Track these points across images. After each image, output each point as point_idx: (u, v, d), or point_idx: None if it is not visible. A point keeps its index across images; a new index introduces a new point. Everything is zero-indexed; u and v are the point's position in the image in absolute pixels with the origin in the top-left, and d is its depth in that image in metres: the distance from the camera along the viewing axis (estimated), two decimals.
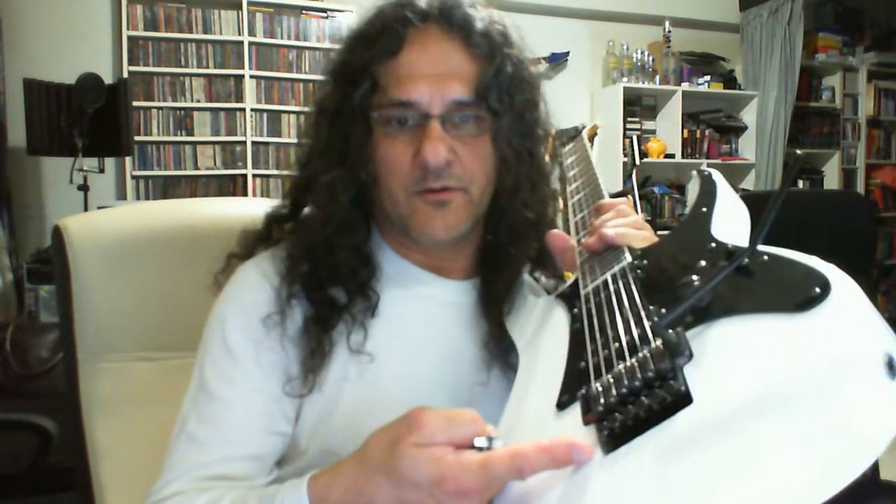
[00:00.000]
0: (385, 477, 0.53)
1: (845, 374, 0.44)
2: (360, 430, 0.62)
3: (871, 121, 5.07)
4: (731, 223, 0.70)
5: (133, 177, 3.55)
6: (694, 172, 0.82)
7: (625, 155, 3.84)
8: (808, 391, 0.44)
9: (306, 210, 0.83)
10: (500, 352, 0.81)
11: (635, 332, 0.60)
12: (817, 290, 0.49)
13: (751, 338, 0.51)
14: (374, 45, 0.76)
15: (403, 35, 0.75)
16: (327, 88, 0.80)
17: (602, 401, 0.54)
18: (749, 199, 1.64)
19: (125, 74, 3.44)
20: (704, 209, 0.73)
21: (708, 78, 4.53)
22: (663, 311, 0.59)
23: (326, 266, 0.78)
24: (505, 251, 0.82)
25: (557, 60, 4.36)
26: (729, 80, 4.64)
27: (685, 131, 4.47)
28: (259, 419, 0.75)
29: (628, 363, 0.57)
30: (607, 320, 0.65)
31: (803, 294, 0.50)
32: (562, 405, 0.61)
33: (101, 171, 3.16)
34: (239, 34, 3.68)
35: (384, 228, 0.84)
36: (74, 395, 0.98)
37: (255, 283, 0.79)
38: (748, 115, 4.68)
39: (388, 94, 0.75)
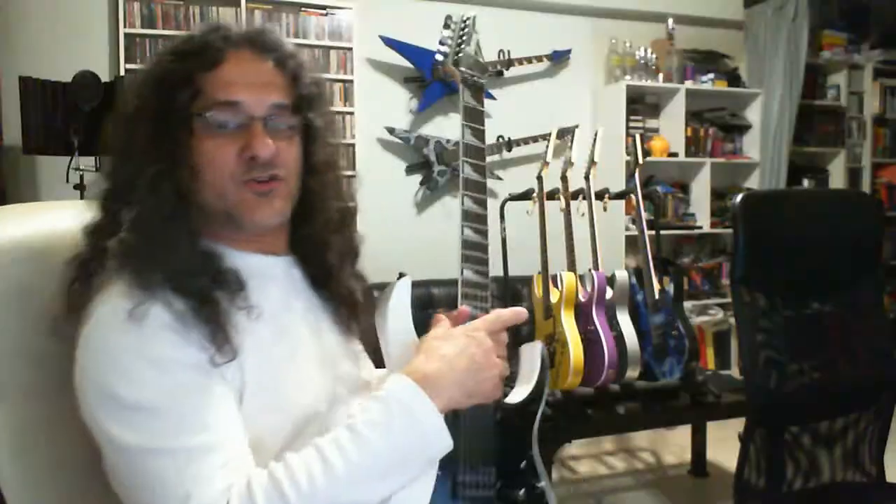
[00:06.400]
0: (444, 340, 0.88)
1: None
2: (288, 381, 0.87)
3: (877, 119, 5.02)
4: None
5: None
6: None
7: (627, 154, 3.80)
8: None
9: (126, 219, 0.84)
10: (337, 313, 1.02)
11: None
12: None
13: None
14: (195, 58, 0.87)
15: (223, 52, 0.88)
16: (143, 96, 0.87)
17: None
18: (753, 198, 1.61)
19: (122, 72, 3.40)
20: None
21: (712, 76, 4.48)
22: None
23: (178, 263, 0.82)
24: (318, 237, 0.98)
25: (559, 58, 4.32)
26: (733, 78, 4.60)
27: (689, 129, 4.42)
28: (224, 403, 0.80)
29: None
30: None
31: None
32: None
33: (98, 169, 3.12)
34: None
35: (207, 231, 0.90)
36: None
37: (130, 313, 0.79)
38: (752, 114, 4.63)
39: (214, 98, 0.86)
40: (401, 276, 1.00)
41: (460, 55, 1.09)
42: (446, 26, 1.10)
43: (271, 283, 0.94)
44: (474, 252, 1.02)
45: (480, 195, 1.05)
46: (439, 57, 1.09)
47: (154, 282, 0.79)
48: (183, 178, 0.85)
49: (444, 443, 0.83)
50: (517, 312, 0.96)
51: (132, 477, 0.76)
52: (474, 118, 1.08)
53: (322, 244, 0.99)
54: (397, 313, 0.96)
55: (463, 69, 1.09)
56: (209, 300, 0.82)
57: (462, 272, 1.00)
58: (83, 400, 0.78)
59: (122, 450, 0.76)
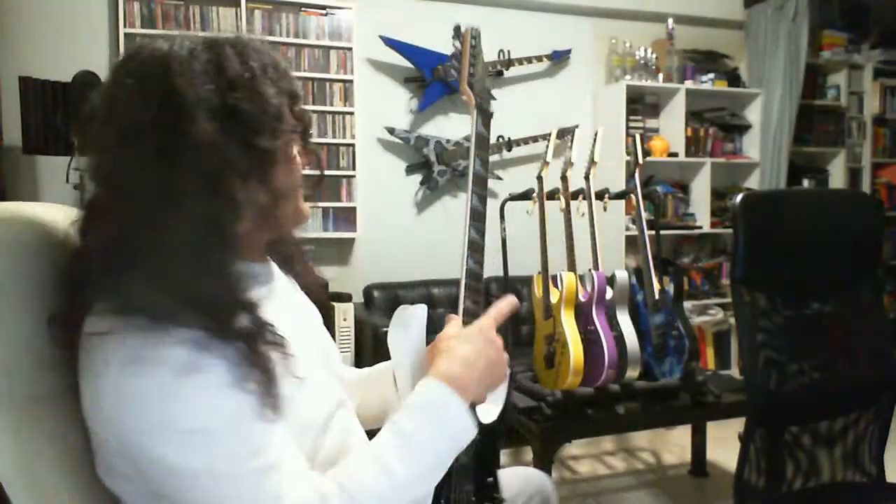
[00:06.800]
0: (460, 341, 0.96)
1: None
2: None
3: (877, 119, 5.02)
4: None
5: None
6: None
7: (627, 154, 3.80)
8: None
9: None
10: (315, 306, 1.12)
11: None
12: None
13: None
14: (291, 97, 0.98)
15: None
16: (226, 129, 0.83)
17: None
18: (753, 198, 1.61)
19: None
20: None
21: (712, 76, 4.48)
22: None
23: (231, 300, 0.83)
24: (286, 239, 1.07)
25: (560, 58, 4.32)
26: (733, 78, 4.60)
27: (689, 129, 4.43)
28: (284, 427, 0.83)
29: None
30: None
31: None
32: None
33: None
34: (237, 31, 3.64)
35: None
36: None
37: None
38: (752, 114, 4.63)
39: (307, 127, 0.98)
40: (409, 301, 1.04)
41: (475, 77, 1.13)
42: (455, 37, 1.14)
43: (274, 289, 0.98)
44: (474, 282, 1.07)
45: (482, 225, 1.10)
46: (453, 72, 1.14)
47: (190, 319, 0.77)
48: (263, 206, 0.89)
49: (471, 435, 0.92)
50: (510, 301, 1.04)
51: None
52: (483, 147, 1.12)
53: (290, 244, 1.08)
54: (420, 339, 1.01)
55: (478, 93, 1.12)
56: (255, 347, 0.80)
57: (463, 302, 1.06)
58: (131, 443, 0.76)
59: (190, 476, 0.75)
